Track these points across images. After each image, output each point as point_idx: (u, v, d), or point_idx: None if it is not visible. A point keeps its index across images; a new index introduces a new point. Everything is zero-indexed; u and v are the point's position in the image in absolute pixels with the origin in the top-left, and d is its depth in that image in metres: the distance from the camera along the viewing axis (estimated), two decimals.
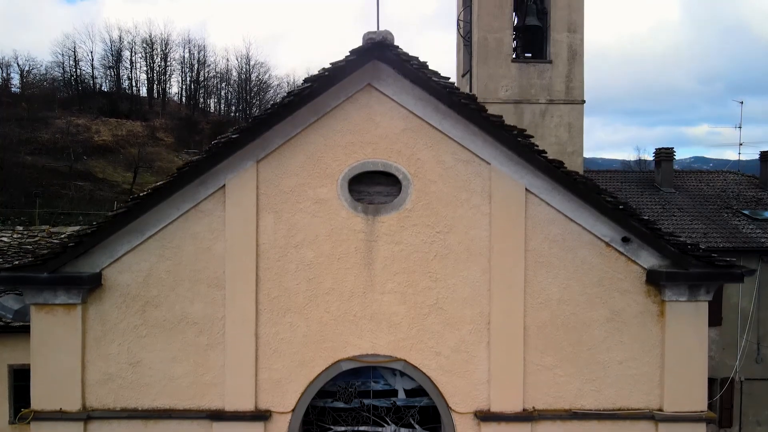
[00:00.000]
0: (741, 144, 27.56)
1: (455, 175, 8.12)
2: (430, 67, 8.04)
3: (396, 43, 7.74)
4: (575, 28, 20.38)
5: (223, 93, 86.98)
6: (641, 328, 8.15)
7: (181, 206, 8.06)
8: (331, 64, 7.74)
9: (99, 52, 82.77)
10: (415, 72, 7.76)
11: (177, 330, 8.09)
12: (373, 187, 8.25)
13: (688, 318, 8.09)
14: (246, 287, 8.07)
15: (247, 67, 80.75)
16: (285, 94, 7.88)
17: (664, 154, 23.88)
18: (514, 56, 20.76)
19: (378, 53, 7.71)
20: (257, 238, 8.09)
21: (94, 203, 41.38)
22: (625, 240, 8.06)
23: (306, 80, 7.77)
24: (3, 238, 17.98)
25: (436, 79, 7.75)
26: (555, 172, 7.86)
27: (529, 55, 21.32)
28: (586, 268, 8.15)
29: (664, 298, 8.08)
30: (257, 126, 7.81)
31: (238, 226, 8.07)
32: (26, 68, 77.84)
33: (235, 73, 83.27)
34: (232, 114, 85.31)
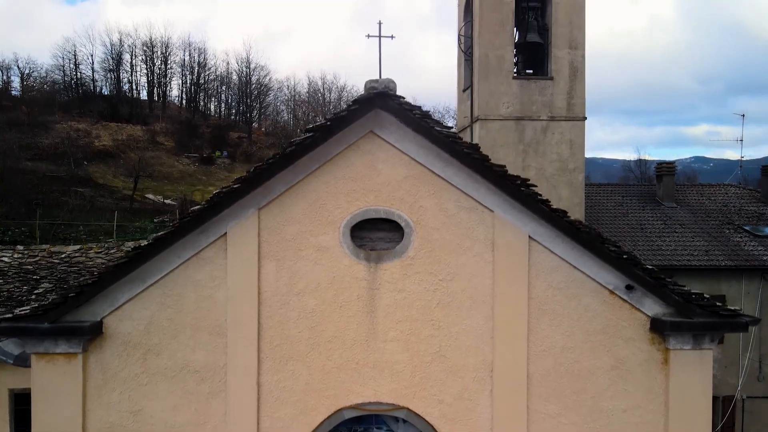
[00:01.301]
0: (742, 158, 27.45)
1: (458, 223, 8.08)
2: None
3: (399, 93, 7.70)
4: (576, 44, 20.34)
5: (223, 96, 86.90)
6: (645, 376, 8.11)
7: (182, 254, 8.01)
8: (333, 114, 7.70)
9: (99, 55, 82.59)
10: (418, 121, 7.72)
11: (178, 378, 8.05)
12: (376, 233, 8.21)
13: (692, 366, 8.05)
14: (248, 335, 8.03)
15: (247, 70, 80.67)
16: (289, 144, 7.82)
17: (666, 169, 23.86)
18: (515, 73, 20.74)
19: (380, 102, 7.67)
20: (259, 285, 8.06)
21: (94, 211, 41.35)
22: (628, 288, 8.02)
23: (308, 129, 7.73)
24: (3, 258, 17.96)
25: (438, 129, 7.71)
26: (559, 221, 7.82)
27: (531, 71, 21.30)
28: (590, 315, 8.11)
29: (668, 347, 8.04)
30: (259, 175, 7.77)
31: (240, 273, 8.03)
32: (26, 71, 77.76)
33: (235, 76, 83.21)
34: (233, 117, 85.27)
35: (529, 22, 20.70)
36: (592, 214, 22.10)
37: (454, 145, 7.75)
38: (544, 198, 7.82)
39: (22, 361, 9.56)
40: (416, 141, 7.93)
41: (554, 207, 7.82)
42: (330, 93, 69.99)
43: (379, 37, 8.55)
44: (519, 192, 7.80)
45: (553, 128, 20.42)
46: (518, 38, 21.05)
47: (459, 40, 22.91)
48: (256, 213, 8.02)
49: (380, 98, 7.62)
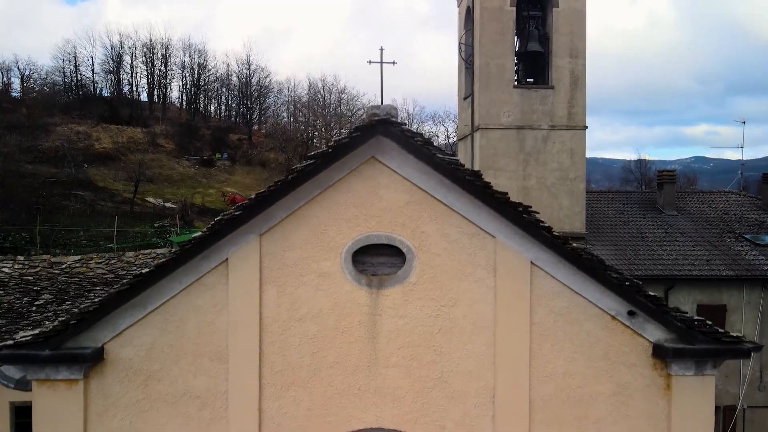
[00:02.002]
0: (743, 164, 27.46)
1: (460, 249, 8.07)
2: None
3: (400, 120, 7.69)
4: (577, 53, 20.34)
5: (223, 98, 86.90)
6: (647, 402, 8.10)
7: (183, 280, 8.00)
8: (335, 141, 7.69)
9: (100, 57, 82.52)
10: (420, 148, 7.71)
11: (180, 404, 8.04)
12: (377, 257, 8.20)
13: (694, 392, 8.04)
14: (249, 361, 8.02)
15: (248, 71, 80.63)
16: (290, 170, 7.80)
17: (666, 176, 23.85)
18: (516, 82, 20.74)
19: (382, 129, 7.66)
20: (260, 311, 8.05)
21: (95, 215, 41.34)
22: (630, 314, 8.01)
23: (309, 156, 7.71)
24: (4, 269, 17.95)
25: (440, 156, 7.70)
26: (561, 247, 7.81)
27: (531, 80, 21.32)
28: (592, 341, 8.10)
29: (670, 372, 8.02)
30: (260, 202, 7.75)
31: (241, 299, 8.02)
32: (27, 72, 77.74)
33: (235, 78, 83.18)
34: (233, 119, 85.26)
35: (529, 31, 20.71)
36: (593, 222, 22.10)
37: (455, 172, 7.74)
38: (546, 225, 7.80)
39: (24, 386, 9.57)
40: (418, 167, 7.92)
41: (556, 233, 7.80)
42: (330, 95, 69.99)
43: (381, 63, 8.52)
44: (521, 218, 7.79)
45: (553, 137, 20.42)
46: (519, 47, 21.06)
47: (460, 48, 22.90)
48: (257, 239, 8.00)
49: (382, 125, 7.60)
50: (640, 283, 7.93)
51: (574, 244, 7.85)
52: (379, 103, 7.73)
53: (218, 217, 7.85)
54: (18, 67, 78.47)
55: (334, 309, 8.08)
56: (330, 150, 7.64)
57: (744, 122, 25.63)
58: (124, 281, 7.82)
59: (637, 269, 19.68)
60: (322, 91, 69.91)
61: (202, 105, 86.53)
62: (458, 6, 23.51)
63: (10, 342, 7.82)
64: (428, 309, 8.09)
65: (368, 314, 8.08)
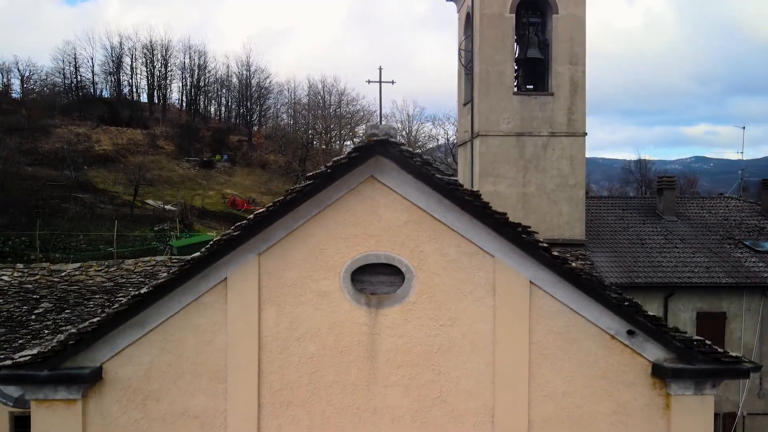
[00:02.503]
0: (743, 170, 27.43)
1: (459, 268, 8.06)
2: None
3: (398, 140, 7.67)
4: (577, 60, 20.32)
5: (223, 99, 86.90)
6: (646, 421, 8.08)
7: (182, 299, 7.99)
8: (333, 161, 7.68)
9: (99, 58, 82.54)
10: (419, 168, 7.70)
11: (178, 424, 8.03)
12: (376, 276, 8.19)
13: (694, 411, 8.03)
14: (248, 380, 8.01)
15: (247, 73, 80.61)
16: (289, 191, 7.78)
17: (666, 182, 23.83)
18: (515, 88, 20.72)
19: (381, 149, 7.64)
20: (259, 330, 8.04)
21: (94, 219, 41.32)
22: (630, 333, 8.00)
23: (308, 177, 7.70)
24: (3, 277, 17.94)
25: (439, 176, 7.69)
26: (560, 267, 7.80)
27: (531, 86, 21.29)
28: (591, 360, 8.09)
29: (669, 392, 8.01)
30: (258, 223, 7.74)
31: (240, 318, 8.01)
32: (26, 73, 77.73)
33: (235, 79, 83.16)
34: (233, 120, 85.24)
35: (529, 37, 20.69)
36: (593, 228, 22.09)
37: (454, 192, 7.73)
38: (545, 245, 7.78)
39: (22, 404, 9.56)
40: (417, 186, 7.91)
41: (555, 253, 7.79)
42: (330, 96, 69.97)
43: (380, 82, 8.51)
44: (520, 239, 7.78)
45: (553, 144, 20.40)
46: (519, 53, 21.03)
47: (459, 54, 22.87)
48: (256, 258, 7.99)
49: (381, 145, 7.59)
50: (639, 303, 7.91)
51: (574, 264, 7.83)
52: (378, 122, 7.71)
53: (217, 237, 7.83)
54: (18, 68, 78.52)
55: (333, 328, 8.07)
56: (328, 170, 7.63)
57: (744, 127, 25.52)
58: (123, 301, 7.81)
59: (637, 276, 19.69)
60: (322, 93, 69.94)
61: (202, 106, 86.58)
62: (458, 11, 23.49)
63: (9, 362, 7.81)
64: (427, 328, 8.08)
65: (367, 333, 8.07)
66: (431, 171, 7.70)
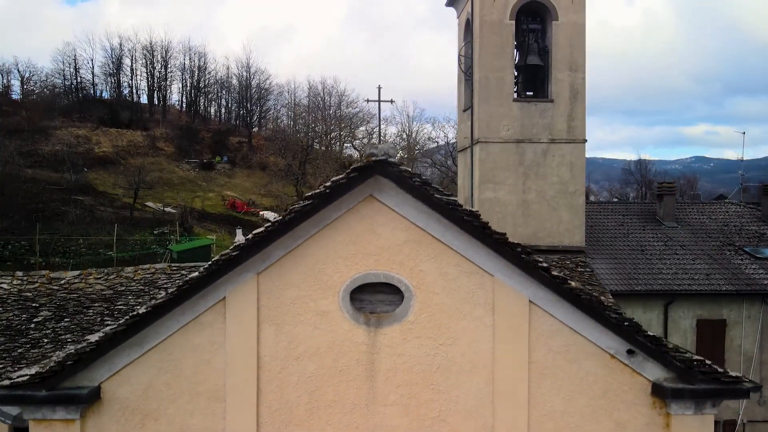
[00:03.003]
0: (743, 174, 27.40)
1: (458, 287, 8.04)
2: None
3: (396, 161, 7.65)
4: (577, 67, 20.27)
5: (223, 101, 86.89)
6: None
7: (180, 319, 7.98)
8: (332, 181, 7.65)
9: (99, 60, 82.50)
10: (418, 188, 7.68)
11: None
12: (375, 295, 8.17)
13: (694, 431, 8.00)
14: (247, 400, 7.99)
15: (247, 74, 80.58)
16: (288, 211, 7.76)
17: (666, 188, 23.82)
18: (515, 95, 20.68)
19: (380, 170, 7.63)
20: (258, 350, 8.02)
21: (94, 222, 41.30)
22: (630, 352, 7.98)
23: (307, 197, 7.68)
24: (2, 285, 17.91)
25: (438, 196, 7.66)
26: (559, 287, 7.78)
27: (531, 93, 21.25)
28: (591, 379, 8.07)
29: (669, 411, 7.99)
30: (257, 243, 7.72)
31: (239, 338, 7.99)
32: (27, 74, 77.73)
33: (235, 80, 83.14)
34: (233, 122, 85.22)
35: (529, 44, 20.64)
36: (593, 235, 22.06)
37: (453, 212, 7.70)
38: (545, 265, 7.76)
39: (20, 422, 9.52)
40: (416, 206, 7.89)
41: (555, 273, 7.77)
42: (330, 97, 69.94)
43: (379, 101, 8.45)
44: (519, 259, 7.76)
45: (553, 151, 20.35)
46: (518, 60, 20.98)
47: (459, 60, 22.83)
48: (254, 277, 7.97)
49: (380, 166, 7.57)
50: (639, 323, 7.88)
51: (573, 284, 7.81)
52: (377, 142, 7.69)
53: (216, 258, 7.80)
54: (18, 70, 78.52)
55: (332, 347, 8.05)
56: (327, 190, 7.61)
57: (744, 132, 25.50)
58: (121, 321, 7.79)
59: (637, 284, 19.67)
60: (322, 94, 69.90)
61: (202, 107, 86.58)
62: (458, 17, 23.46)
63: (7, 383, 7.79)
64: (426, 347, 8.06)
65: (366, 353, 8.05)
66: (430, 191, 7.68)
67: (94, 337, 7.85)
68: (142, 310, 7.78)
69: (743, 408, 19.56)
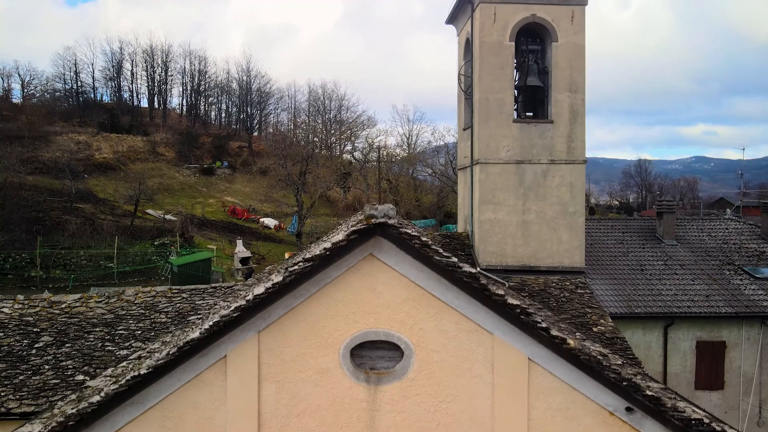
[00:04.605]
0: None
1: (458, 345, 8.08)
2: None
3: (397, 222, 7.69)
4: (576, 88, 20.27)
5: (223, 105, 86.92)
6: None
7: (181, 377, 8.02)
8: (332, 243, 7.69)
9: (100, 64, 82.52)
10: (418, 250, 7.72)
11: None
12: (375, 351, 8.22)
13: None
14: None
15: (247, 78, 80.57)
16: (288, 273, 7.80)
17: (666, 206, 23.84)
18: (515, 115, 20.69)
19: (380, 231, 7.67)
20: (259, 407, 8.07)
21: (95, 232, 41.33)
22: (629, 410, 8.02)
23: (307, 259, 7.72)
24: (4, 310, 17.94)
25: (437, 258, 7.70)
26: (559, 348, 7.82)
27: (531, 114, 21.25)
28: None
29: None
30: (258, 305, 7.77)
31: (240, 395, 8.04)
32: (27, 78, 77.77)
33: (235, 84, 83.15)
34: (233, 126, 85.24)
35: (529, 65, 20.64)
36: (592, 254, 22.10)
37: (453, 274, 7.74)
38: (544, 325, 7.80)
39: None
40: (416, 265, 7.93)
41: (554, 333, 7.81)
42: (330, 101, 69.98)
43: (378, 162, 8.42)
44: (518, 319, 7.80)
45: (553, 171, 20.36)
46: (518, 80, 20.97)
47: (459, 79, 22.83)
48: (255, 336, 8.02)
49: (380, 228, 7.62)
50: (638, 383, 7.92)
51: (572, 342, 7.85)
52: (377, 204, 7.73)
53: (216, 319, 7.84)
54: (18, 73, 78.55)
55: (333, 405, 8.10)
56: (327, 252, 7.65)
57: (744, 148, 25.49)
58: (122, 382, 7.83)
59: (637, 306, 19.72)
60: (322, 98, 69.93)
61: (202, 111, 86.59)
62: (458, 35, 23.47)
63: None
64: (426, 404, 8.10)
65: (366, 410, 8.09)
66: (430, 252, 7.72)
67: (95, 397, 7.89)
68: (143, 370, 7.82)
69: (743, 429, 19.62)
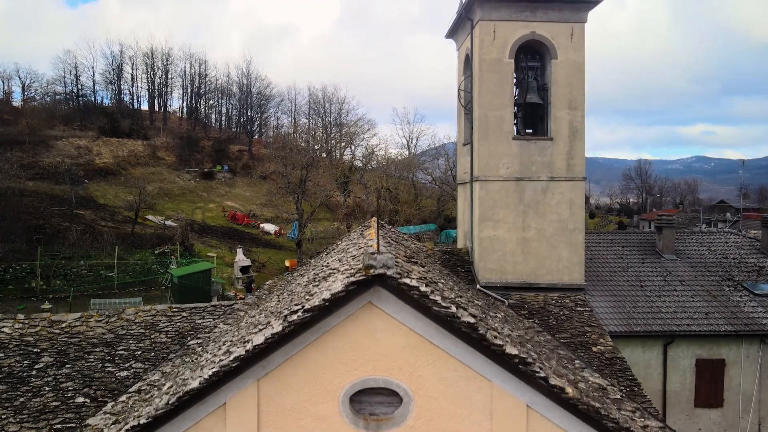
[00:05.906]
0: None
1: (456, 392, 8.12)
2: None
3: (393, 273, 7.71)
4: (576, 105, 20.28)
5: (223, 109, 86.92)
6: None
7: (181, 425, 8.06)
8: (332, 294, 7.72)
9: (100, 67, 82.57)
10: (417, 300, 7.74)
11: None
12: (375, 397, 8.25)
13: None
14: None
15: (247, 81, 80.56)
16: (287, 323, 7.82)
17: (666, 221, 23.86)
18: (515, 132, 20.70)
19: (379, 282, 7.70)
20: None
21: (95, 239, 41.35)
22: None
23: (306, 310, 7.74)
24: (4, 329, 17.98)
25: (436, 309, 7.73)
26: (557, 397, 7.85)
27: (530, 130, 21.27)
28: None
29: None
30: (258, 354, 7.80)
31: None
32: (27, 81, 77.78)
33: (235, 87, 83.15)
34: (233, 129, 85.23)
35: (528, 82, 20.64)
36: (592, 269, 22.13)
37: (452, 324, 7.77)
38: (543, 374, 7.83)
39: None
40: (414, 314, 7.96)
41: (553, 382, 7.83)
42: (330, 104, 69.97)
43: (378, 199, 8.46)
44: (516, 368, 7.83)
45: (552, 188, 20.38)
46: (518, 97, 20.98)
47: (459, 94, 22.84)
48: (255, 384, 8.06)
49: (379, 279, 7.65)
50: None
51: (570, 392, 7.88)
52: (376, 253, 7.76)
53: (216, 369, 7.86)
54: (19, 76, 78.57)
55: None
56: (326, 303, 7.68)
57: (743, 161, 25.51)
58: None
59: (636, 324, 19.75)
60: (322, 101, 69.91)
61: (202, 113, 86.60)
62: (457, 50, 23.48)
63: None
64: None
65: None
66: (429, 303, 7.75)
67: None
68: (143, 420, 7.85)
69: None
